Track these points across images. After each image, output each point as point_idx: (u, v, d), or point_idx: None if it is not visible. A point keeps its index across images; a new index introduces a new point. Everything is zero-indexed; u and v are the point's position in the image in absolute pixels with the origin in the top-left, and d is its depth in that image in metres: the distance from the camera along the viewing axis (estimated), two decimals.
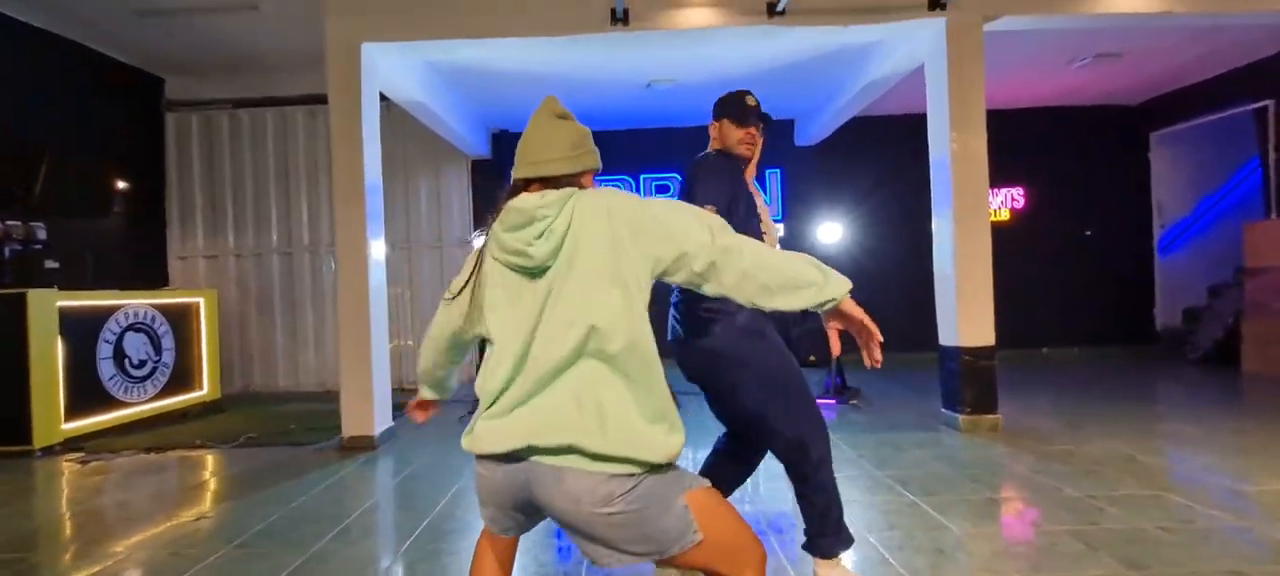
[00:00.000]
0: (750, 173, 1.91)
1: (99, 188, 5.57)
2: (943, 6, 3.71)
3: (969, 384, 3.77)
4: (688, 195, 1.77)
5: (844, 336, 1.26)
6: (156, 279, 6.45)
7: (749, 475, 1.97)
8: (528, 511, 1.18)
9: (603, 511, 1.06)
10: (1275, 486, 2.69)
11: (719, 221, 1.15)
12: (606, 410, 1.07)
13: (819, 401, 4.75)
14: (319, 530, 2.54)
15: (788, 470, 1.78)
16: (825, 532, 1.76)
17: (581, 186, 1.22)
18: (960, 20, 3.77)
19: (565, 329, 1.08)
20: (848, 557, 2.01)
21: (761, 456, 1.93)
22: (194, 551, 2.36)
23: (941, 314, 3.96)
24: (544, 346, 1.09)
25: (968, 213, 3.82)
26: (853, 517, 2.23)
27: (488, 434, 1.12)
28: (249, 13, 5.10)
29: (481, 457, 1.15)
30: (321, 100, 6.41)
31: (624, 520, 1.06)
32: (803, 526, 1.82)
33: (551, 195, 1.14)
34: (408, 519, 2.65)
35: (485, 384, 1.14)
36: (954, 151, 3.82)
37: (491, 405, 1.13)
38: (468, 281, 1.24)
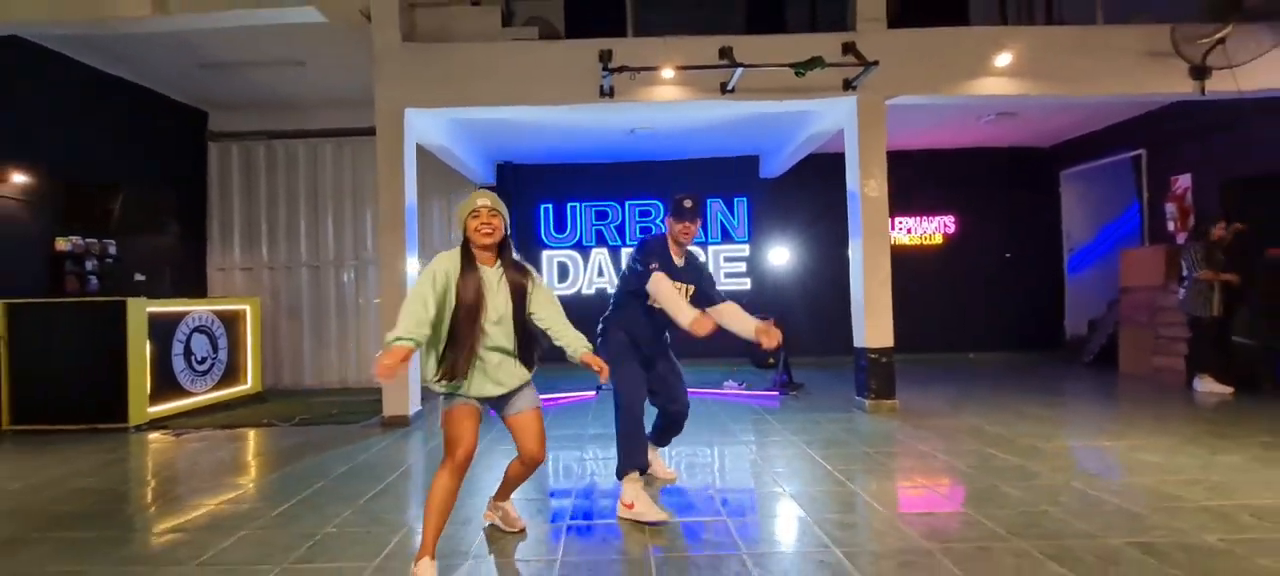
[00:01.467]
0: (682, 246, 2.96)
1: (157, 210, 6.53)
2: (854, 88, 4.86)
3: (873, 376, 4.88)
4: (637, 256, 2.89)
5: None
6: (198, 288, 7.39)
7: (668, 431, 3.19)
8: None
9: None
10: (1064, 443, 3.82)
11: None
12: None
13: (765, 393, 6.04)
14: (370, 485, 3.53)
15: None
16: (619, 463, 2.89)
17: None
18: (867, 99, 4.92)
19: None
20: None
21: (671, 419, 3.14)
22: (291, 493, 3.38)
23: (853, 320, 5.07)
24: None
25: (873, 240, 4.95)
26: (775, 472, 3.29)
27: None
28: (294, 65, 6.13)
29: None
30: (346, 133, 7.51)
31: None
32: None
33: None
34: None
35: None
36: (863, 192, 4.96)
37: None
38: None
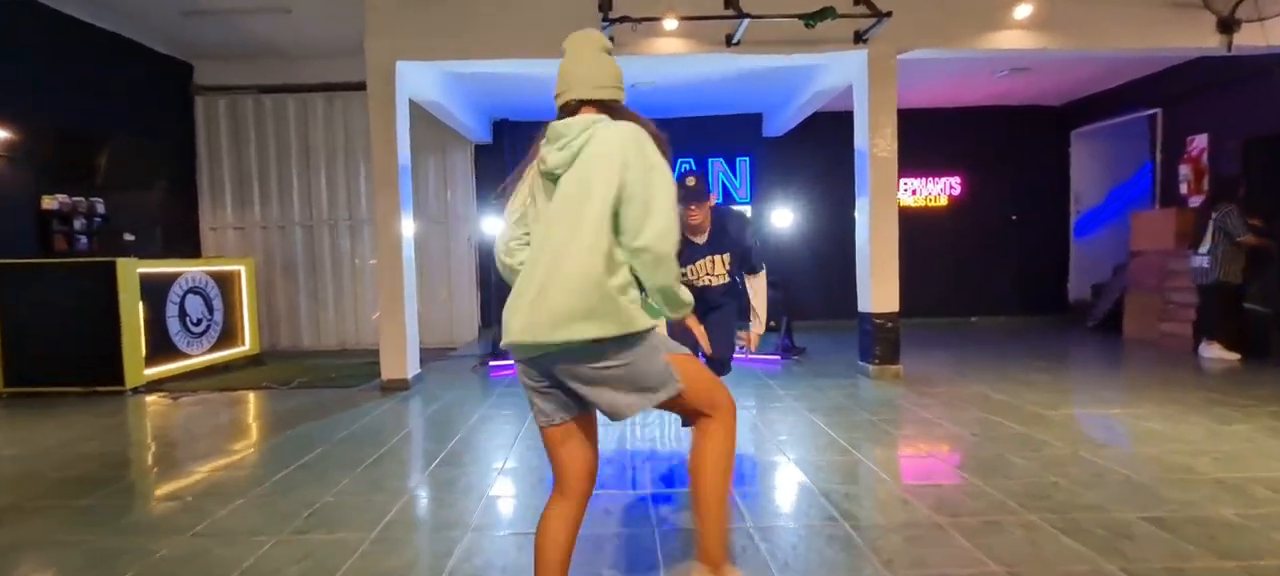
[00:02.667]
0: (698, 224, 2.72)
1: (144, 167, 6.34)
2: (865, 41, 4.65)
3: (878, 342, 4.82)
4: None
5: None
6: (191, 248, 7.26)
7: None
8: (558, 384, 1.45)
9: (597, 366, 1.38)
10: (1067, 411, 3.78)
11: (667, 234, 1.40)
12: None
13: (767, 357, 5.93)
14: (376, 445, 3.50)
15: None
16: None
17: (611, 114, 1.51)
18: (878, 51, 4.71)
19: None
20: (771, 458, 3.04)
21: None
22: (290, 458, 3.33)
23: (859, 284, 4.98)
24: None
25: (881, 201, 4.81)
26: (778, 439, 3.25)
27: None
28: (280, 12, 5.86)
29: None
30: (338, 88, 7.26)
31: (618, 374, 1.39)
32: None
33: (576, 121, 1.44)
34: (435, 443, 3.63)
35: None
36: (871, 151, 4.80)
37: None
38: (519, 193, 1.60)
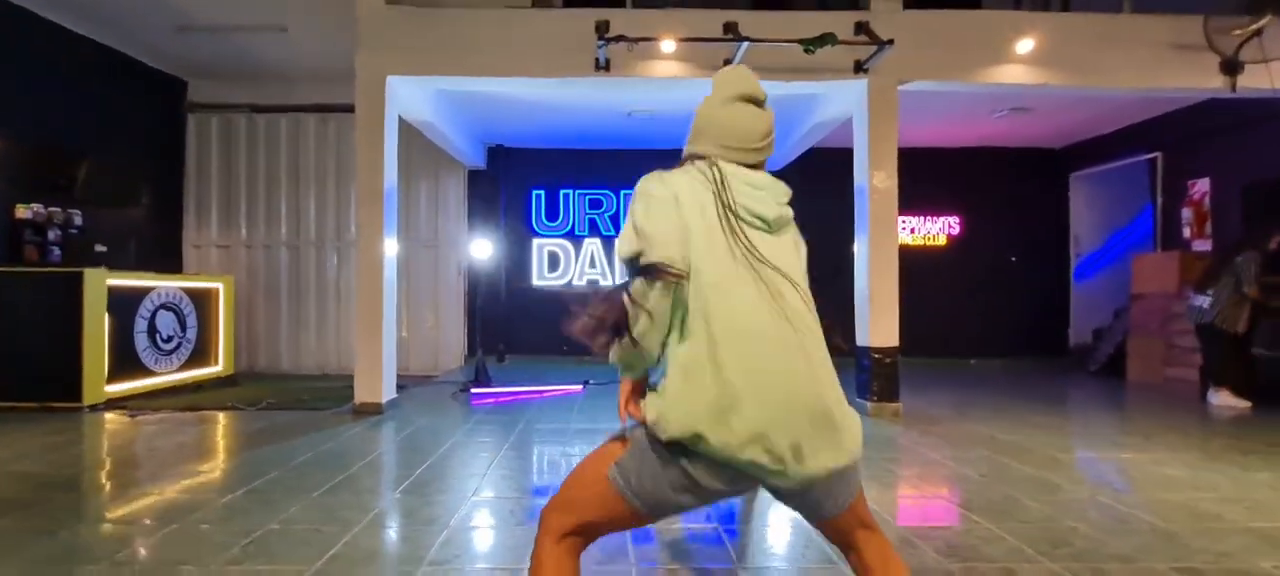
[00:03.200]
0: None
1: (128, 181, 6.20)
2: (866, 71, 4.58)
3: (877, 377, 4.61)
4: None
5: None
6: (172, 264, 7.05)
7: None
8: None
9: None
10: (1082, 454, 3.55)
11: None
12: None
13: None
14: (337, 470, 3.25)
15: None
16: None
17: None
18: (879, 82, 4.63)
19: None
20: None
21: None
22: (241, 482, 3.07)
23: (858, 319, 4.80)
24: None
25: (881, 234, 4.67)
26: None
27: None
28: (277, 32, 5.80)
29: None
30: (331, 109, 7.18)
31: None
32: None
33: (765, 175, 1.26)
34: (405, 467, 3.38)
35: None
36: (871, 186, 4.68)
37: None
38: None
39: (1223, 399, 5.06)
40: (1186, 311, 5.39)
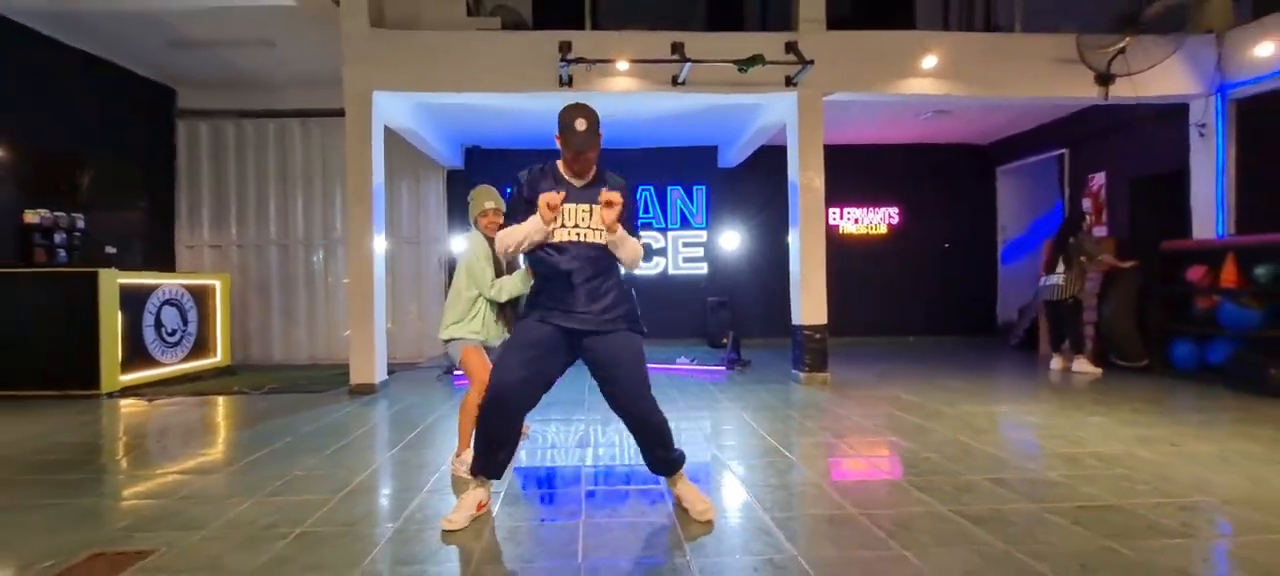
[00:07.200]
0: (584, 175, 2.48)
1: (125, 186, 6.65)
2: (794, 85, 5.27)
3: (808, 352, 5.33)
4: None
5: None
6: (166, 264, 7.50)
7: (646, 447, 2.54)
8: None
9: None
10: (965, 409, 4.32)
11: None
12: None
13: (713, 368, 6.37)
14: (341, 436, 3.85)
15: None
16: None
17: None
18: (807, 94, 5.33)
19: None
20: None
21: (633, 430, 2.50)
22: (262, 446, 3.67)
23: (792, 300, 5.52)
24: None
25: (810, 227, 5.38)
26: (721, 431, 3.68)
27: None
28: (264, 46, 6.29)
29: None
30: (316, 114, 7.68)
31: None
32: None
33: None
34: (399, 433, 4.00)
35: None
36: (801, 184, 5.38)
37: None
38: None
39: (1081, 365, 5.87)
40: (1037, 291, 6.28)
